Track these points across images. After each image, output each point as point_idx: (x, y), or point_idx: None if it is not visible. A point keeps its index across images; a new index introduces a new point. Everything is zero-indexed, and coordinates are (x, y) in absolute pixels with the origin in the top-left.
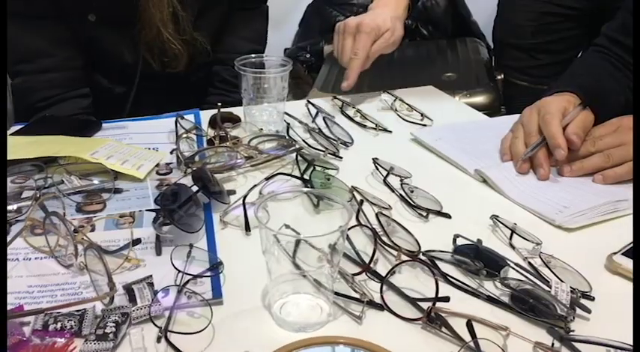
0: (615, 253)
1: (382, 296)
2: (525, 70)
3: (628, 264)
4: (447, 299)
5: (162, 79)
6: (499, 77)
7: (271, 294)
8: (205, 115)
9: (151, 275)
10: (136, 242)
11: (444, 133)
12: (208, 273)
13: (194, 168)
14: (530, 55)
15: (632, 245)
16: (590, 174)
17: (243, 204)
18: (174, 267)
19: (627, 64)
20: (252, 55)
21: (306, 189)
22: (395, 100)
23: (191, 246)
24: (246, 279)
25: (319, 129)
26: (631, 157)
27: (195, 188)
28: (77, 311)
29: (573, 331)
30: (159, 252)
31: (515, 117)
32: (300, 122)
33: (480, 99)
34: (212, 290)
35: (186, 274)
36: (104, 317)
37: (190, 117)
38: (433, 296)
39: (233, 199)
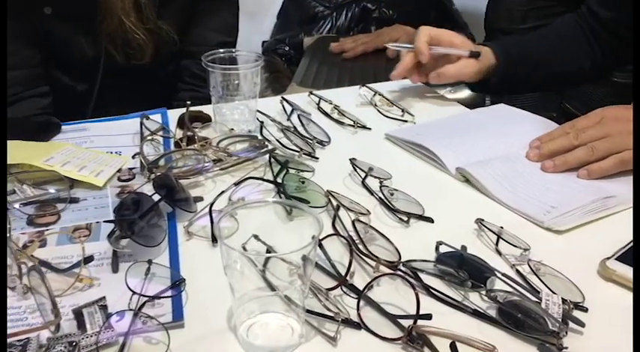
0: (609, 258)
1: (359, 314)
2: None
3: (622, 269)
4: (428, 316)
5: (127, 74)
6: None
7: (237, 315)
8: (174, 115)
9: (104, 297)
10: (88, 259)
11: (422, 129)
12: (168, 293)
13: (158, 174)
14: None
15: (625, 249)
16: (575, 169)
17: (210, 212)
18: (129, 288)
19: (597, 35)
20: (221, 50)
21: (273, 199)
22: (374, 95)
23: (150, 262)
24: (212, 297)
25: (294, 127)
26: (616, 150)
27: (158, 196)
28: (19, 340)
29: (566, 348)
30: (115, 269)
31: (500, 105)
32: (274, 120)
33: (464, 94)
34: (172, 311)
35: (143, 296)
36: (49, 347)
37: (157, 117)
38: (414, 312)
39: (200, 207)
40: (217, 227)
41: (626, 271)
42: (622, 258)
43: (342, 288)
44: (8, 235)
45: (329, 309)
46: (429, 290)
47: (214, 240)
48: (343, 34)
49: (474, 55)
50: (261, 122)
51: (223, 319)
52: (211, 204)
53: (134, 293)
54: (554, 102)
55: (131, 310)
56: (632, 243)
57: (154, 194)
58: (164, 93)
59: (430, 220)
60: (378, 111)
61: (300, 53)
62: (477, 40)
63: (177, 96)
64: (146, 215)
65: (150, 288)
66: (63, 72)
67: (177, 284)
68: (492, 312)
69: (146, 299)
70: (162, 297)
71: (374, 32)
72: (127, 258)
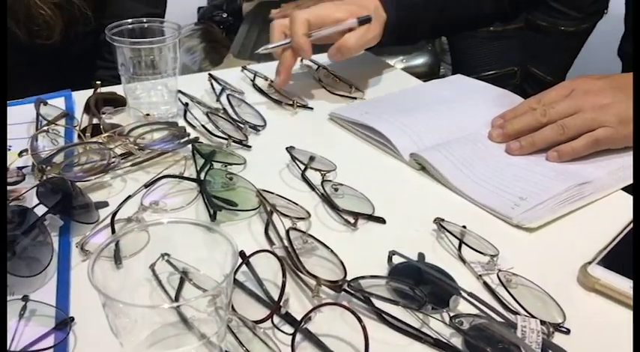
0: (590, 263)
1: None
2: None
3: (607, 277)
4: None
5: (35, 52)
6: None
7: None
8: (81, 98)
9: None
10: None
11: (370, 107)
12: (47, 342)
13: (49, 176)
14: None
15: (608, 250)
16: (544, 150)
17: (112, 224)
18: None
19: None
20: (129, 20)
21: (169, 220)
22: (318, 69)
23: (25, 299)
24: (110, 339)
25: (224, 110)
26: (589, 127)
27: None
28: None
29: None
30: None
31: (457, 76)
32: (199, 102)
33: (418, 62)
34: None
35: None
36: None
37: (59, 101)
38: (363, 349)
39: (104, 215)
40: (89, 274)
41: (612, 279)
42: (605, 263)
43: (272, 320)
44: None
45: None
46: (381, 315)
47: (118, 260)
48: None
49: (365, 21)
50: (185, 104)
51: None
52: (114, 214)
53: None
54: (514, 59)
55: None
56: (614, 243)
57: (37, 205)
58: (81, 72)
59: (381, 221)
60: (323, 87)
61: (239, 20)
62: None
63: (97, 76)
64: (29, 233)
65: (26, 334)
66: None
67: (61, 326)
68: (458, 341)
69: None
70: None
71: None
72: None
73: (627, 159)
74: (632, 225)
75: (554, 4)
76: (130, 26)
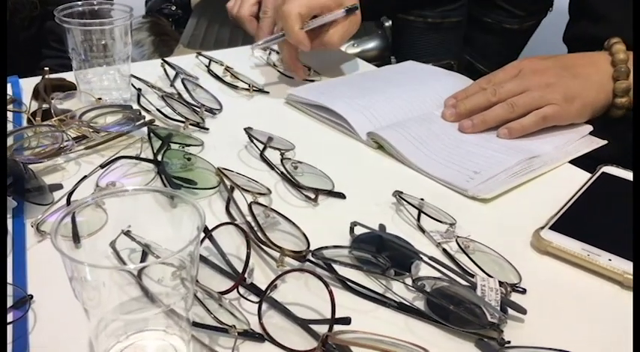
0: (542, 228)
1: (261, 323)
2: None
3: (559, 240)
4: (347, 321)
5: None
6: (387, 24)
7: (100, 340)
8: (28, 84)
9: None
10: None
11: (326, 88)
12: (7, 318)
13: None
14: None
15: (558, 216)
16: (495, 127)
17: (68, 203)
18: None
19: None
20: (79, 2)
21: (133, 188)
22: (270, 54)
23: None
24: (69, 315)
25: (179, 94)
26: (537, 105)
27: None
28: None
29: (509, 342)
30: None
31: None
32: (153, 87)
33: (369, 46)
34: (13, 341)
35: None
36: None
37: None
38: (330, 312)
39: (59, 197)
40: (58, 225)
41: (563, 242)
42: (556, 227)
43: (237, 291)
44: None
45: (221, 322)
46: (345, 283)
47: (76, 238)
48: None
49: (352, 12)
50: (138, 89)
51: (85, 345)
52: (70, 193)
53: None
54: (452, 52)
55: None
56: (564, 210)
57: None
58: (27, 60)
59: (342, 196)
60: (278, 71)
61: (187, 13)
62: None
63: (43, 64)
64: None
65: None
66: None
67: (20, 304)
68: (420, 304)
69: None
70: None
71: None
72: None
73: (571, 135)
74: (579, 192)
75: (498, 2)
76: (80, 9)
